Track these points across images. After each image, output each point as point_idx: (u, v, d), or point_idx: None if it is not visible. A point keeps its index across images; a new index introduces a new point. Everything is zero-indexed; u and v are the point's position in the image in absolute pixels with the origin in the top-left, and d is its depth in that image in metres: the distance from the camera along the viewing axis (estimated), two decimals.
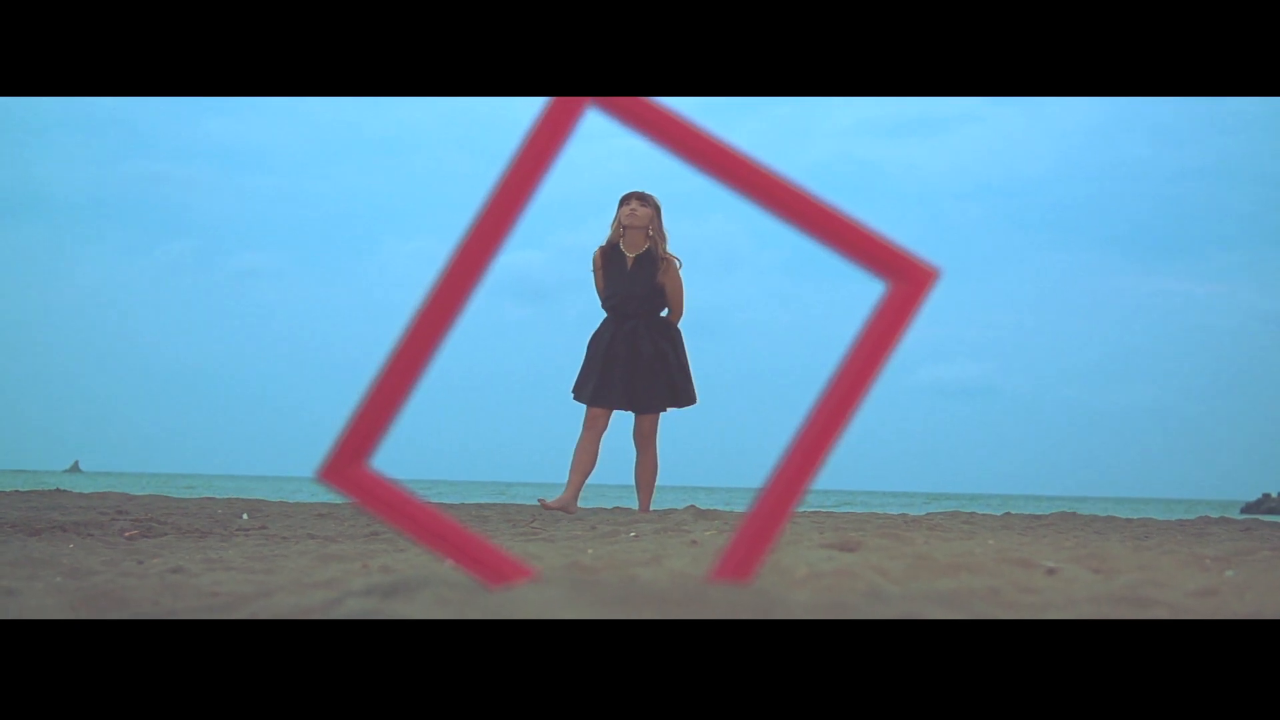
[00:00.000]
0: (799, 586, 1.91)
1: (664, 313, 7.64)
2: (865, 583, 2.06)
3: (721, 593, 1.41)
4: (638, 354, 7.46)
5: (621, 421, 7.64)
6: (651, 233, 7.53)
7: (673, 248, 7.60)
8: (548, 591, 1.38)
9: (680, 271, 7.54)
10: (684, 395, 7.55)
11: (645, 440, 7.58)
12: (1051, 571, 2.51)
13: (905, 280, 1.49)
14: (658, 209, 7.57)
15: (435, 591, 1.75)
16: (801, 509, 10.41)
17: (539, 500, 7.37)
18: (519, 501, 10.35)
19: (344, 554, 3.72)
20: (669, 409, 7.59)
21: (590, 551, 3.44)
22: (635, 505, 8.04)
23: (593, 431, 7.51)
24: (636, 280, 7.49)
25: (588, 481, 7.53)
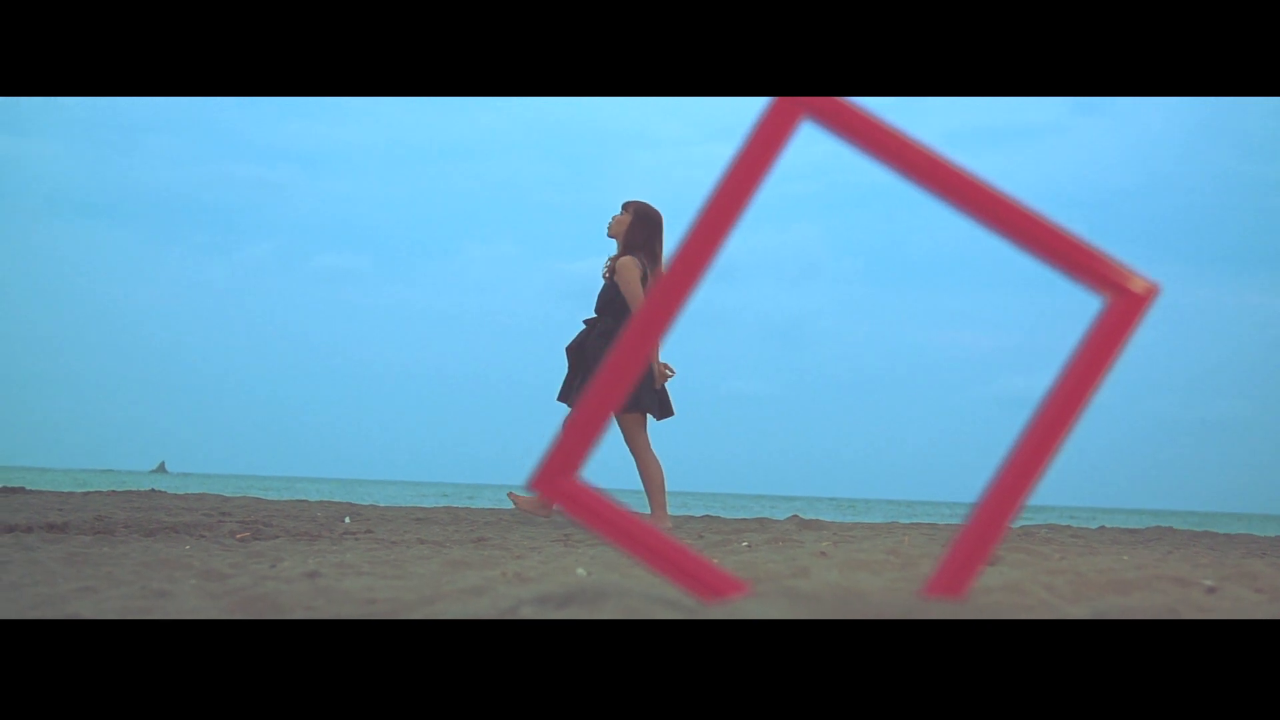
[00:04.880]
0: (982, 599, 1.88)
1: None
2: (1038, 599, 2.03)
3: (938, 607, 1.39)
4: (573, 346, 7.41)
5: (661, 428, 7.44)
6: (626, 238, 7.45)
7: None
8: (767, 605, 1.37)
9: (630, 270, 7.19)
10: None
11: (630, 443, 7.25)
12: (1211, 590, 2.45)
13: (1123, 296, 1.46)
14: (638, 216, 7.45)
15: (621, 601, 1.74)
16: (891, 520, 10.33)
17: None
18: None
19: (468, 559, 3.73)
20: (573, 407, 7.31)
21: (716, 563, 3.42)
22: (733, 515, 7.99)
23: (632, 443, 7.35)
24: (607, 281, 7.48)
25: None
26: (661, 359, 7.32)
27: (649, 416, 7.21)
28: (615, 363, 1.47)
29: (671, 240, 7.53)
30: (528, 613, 1.79)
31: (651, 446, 7.19)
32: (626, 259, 7.25)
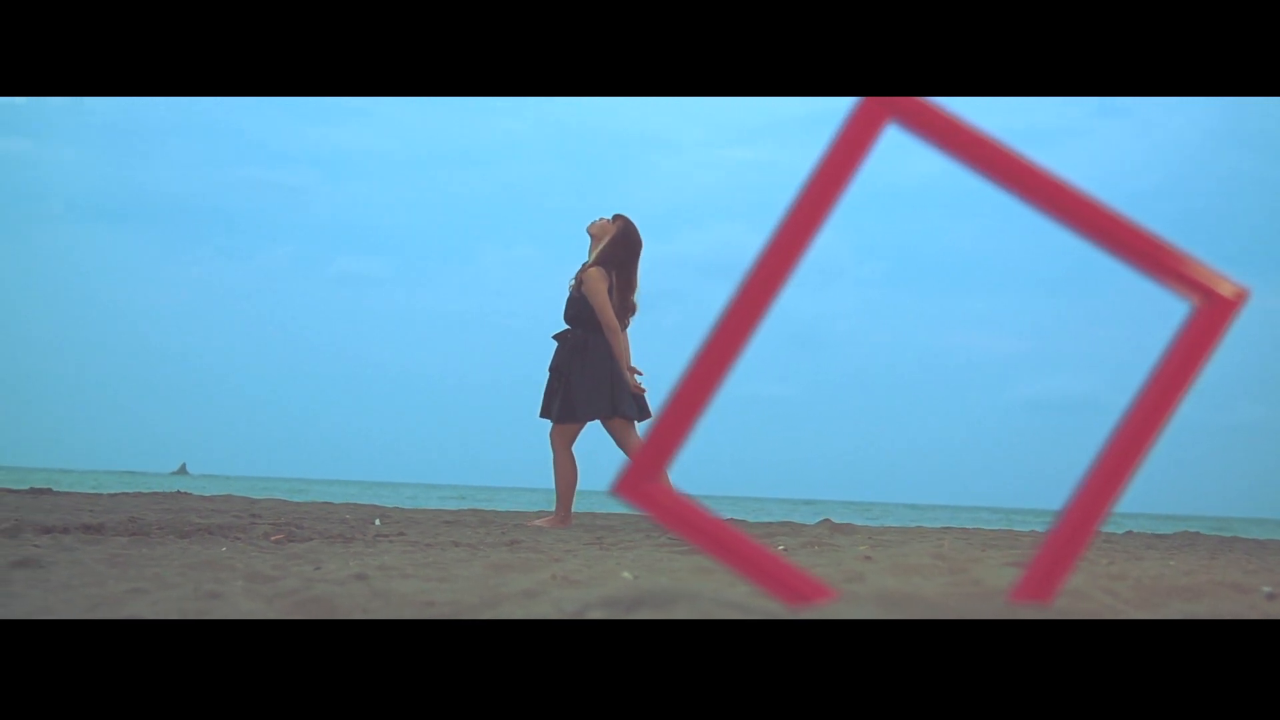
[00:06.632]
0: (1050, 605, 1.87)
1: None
2: (1103, 605, 2.02)
3: (1029, 612, 1.39)
4: (555, 364, 7.37)
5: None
6: (598, 246, 7.42)
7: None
8: (859, 609, 1.36)
9: (597, 281, 7.25)
10: (562, 411, 7.27)
11: (553, 447, 7.36)
12: (1272, 596, 2.44)
13: (1212, 300, 1.45)
14: (624, 234, 7.42)
15: (693, 605, 1.73)
16: (918, 524, 10.31)
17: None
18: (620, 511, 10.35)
19: (509, 563, 3.73)
20: (555, 421, 7.32)
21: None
22: (758, 519, 7.99)
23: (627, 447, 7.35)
24: (574, 294, 7.47)
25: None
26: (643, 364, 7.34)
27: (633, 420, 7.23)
28: (701, 366, 1.47)
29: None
30: (596, 615, 1.79)
31: None
32: (594, 270, 7.24)
